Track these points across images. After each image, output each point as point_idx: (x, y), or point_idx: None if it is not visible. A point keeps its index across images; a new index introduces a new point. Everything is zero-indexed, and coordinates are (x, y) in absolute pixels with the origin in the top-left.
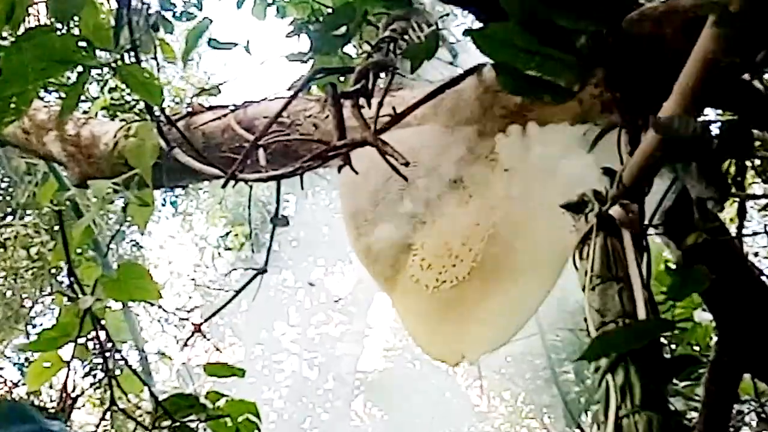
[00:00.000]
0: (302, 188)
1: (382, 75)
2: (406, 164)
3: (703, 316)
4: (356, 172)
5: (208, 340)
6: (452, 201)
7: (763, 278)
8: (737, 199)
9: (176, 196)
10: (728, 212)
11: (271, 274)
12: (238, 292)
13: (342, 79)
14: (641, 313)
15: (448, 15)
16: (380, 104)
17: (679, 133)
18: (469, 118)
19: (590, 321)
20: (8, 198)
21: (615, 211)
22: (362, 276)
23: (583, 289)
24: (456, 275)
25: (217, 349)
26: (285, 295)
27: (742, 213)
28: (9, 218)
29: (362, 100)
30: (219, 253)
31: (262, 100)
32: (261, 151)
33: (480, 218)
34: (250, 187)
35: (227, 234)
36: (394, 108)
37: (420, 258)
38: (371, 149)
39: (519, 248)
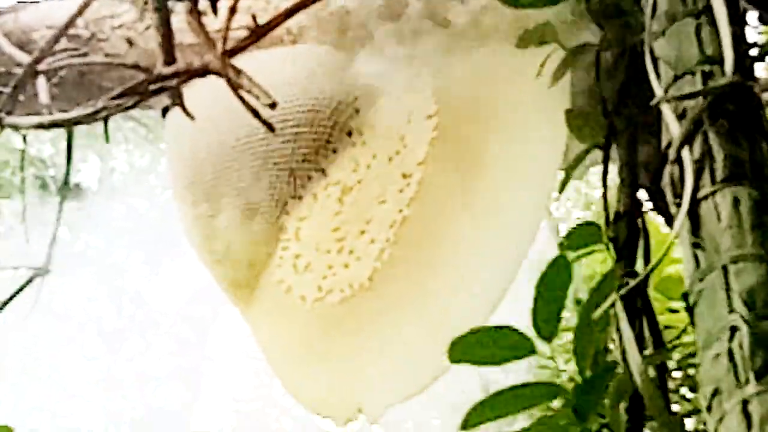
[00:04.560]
0: (107, 141)
1: None
2: (273, 105)
3: None
4: (192, 118)
5: None
6: (344, 163)
7: None
8: None
9: None
10: None
11: (56, 276)
12: (3, 305)
13: None
14: (728, 56)
15: None
16: (233, 10)
17: None
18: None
19: (654, 81)
20: None
21: None
22: (202, 281)
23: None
24: (350, 282)
25: None
26: (80, 310)
27: None
28: None
29: (204, 3)
30: None
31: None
32: (42, 81)
33: (388, 191)
34: (24, 137)
35: None
36: (254, 16)
37: (293, 254)
38: (217, 81)
39: (451, 237)
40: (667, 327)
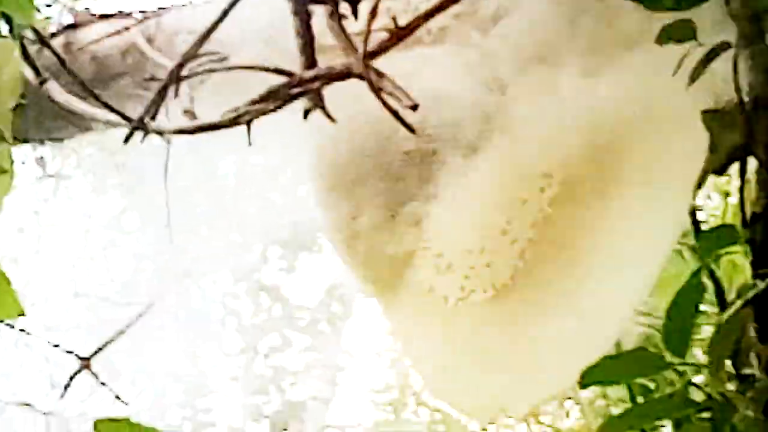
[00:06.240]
0: (249, 144)
1: None
2: (414, 107)
3: None
4: (334, 120)
5: (101, 381)
6: (485, 163)
7: None
8: None
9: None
10: None
11: (196, 273)
12: (148, 307)
13: None
14: None
15: None
16: (374, 12)
17: None
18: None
19: None
20: None
21: None
22: (338, 276)
23: None
24: (492, 281)
25: (118, 398)
26: (218, 306)
27: None
28: None
29: (344, 6)
30: (114, 241)
31: (186, 4)
32: (185, 87)
33: (529, 190)
34: (168, 141)
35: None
36: (394, 18)
37: (434, 254)
38: (358, 84)
39: (593, 236)
40: None
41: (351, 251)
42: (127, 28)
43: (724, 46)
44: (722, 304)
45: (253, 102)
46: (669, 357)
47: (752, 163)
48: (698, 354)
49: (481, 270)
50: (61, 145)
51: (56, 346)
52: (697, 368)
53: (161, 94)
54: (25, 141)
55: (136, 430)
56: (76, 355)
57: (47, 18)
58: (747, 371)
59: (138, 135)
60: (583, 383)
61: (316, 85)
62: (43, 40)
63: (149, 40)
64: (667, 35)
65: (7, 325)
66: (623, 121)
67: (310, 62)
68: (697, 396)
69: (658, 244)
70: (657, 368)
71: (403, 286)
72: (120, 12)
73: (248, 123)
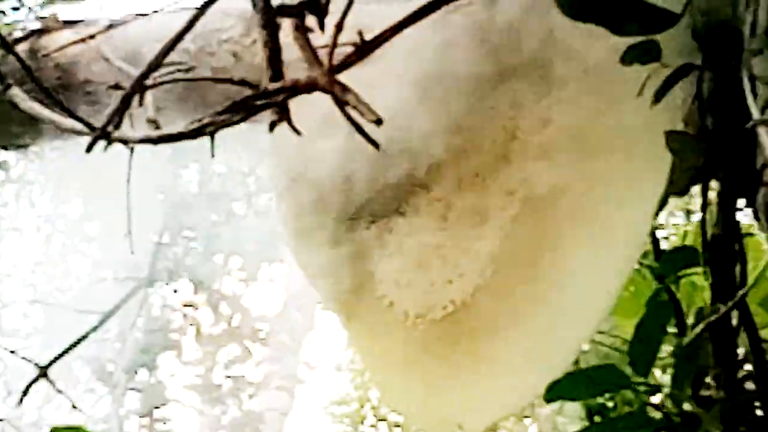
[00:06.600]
0: (213, 155)
1: None
2: (378, 122)
3: None
4: (299, 133)
5: (56, 388)
6: (448, 180)
7: None
8: None
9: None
10: None
11: (155, 283)
12: (108, 315)
13: None
14: None
15: None
16: (339, 26)
17: None
18: (489, 52)
19: (750, 101)
20: None
21: None
22: (299, 287)
23: None
24: (451, 298)
25: (74, 407)
26: (178, 314)
27: None
28: None
29: (311, 19)
30: (75, 247)
31: (152, 12)
32: (149, 96)
33: (491, 208)
34: (131, 149)
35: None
36: (360, 32)
37: (396, 269)
38: (323, 97)
39: (553, 255)
40: None
41: (312, 264)
42: (92, 36)
43: (688, 68)
44: (681, 324)
45: (218, 113)
46: (632, 376)
47: (714, 185)
48: (657, 373)
49: (442, 286)
50: (25, 151)
51: (12, 352)
52: (655, 388)
53: (125, 103)
54: None
55: None
56: (34, 364)
57: (12, 23)
58: (705, 392)
59: (101, 143)
60: (548, 397)
61: (281, 97)
62: (7, 46)
63: (115, 48)
64: (632, 56)
65: None
66: (588, 139)
67: (275, 74)
68: (655, 415)
69: (619, 264)
70: (621, 386)
71: (363, 300)
72: (86, 19)
73: (212, 134)
